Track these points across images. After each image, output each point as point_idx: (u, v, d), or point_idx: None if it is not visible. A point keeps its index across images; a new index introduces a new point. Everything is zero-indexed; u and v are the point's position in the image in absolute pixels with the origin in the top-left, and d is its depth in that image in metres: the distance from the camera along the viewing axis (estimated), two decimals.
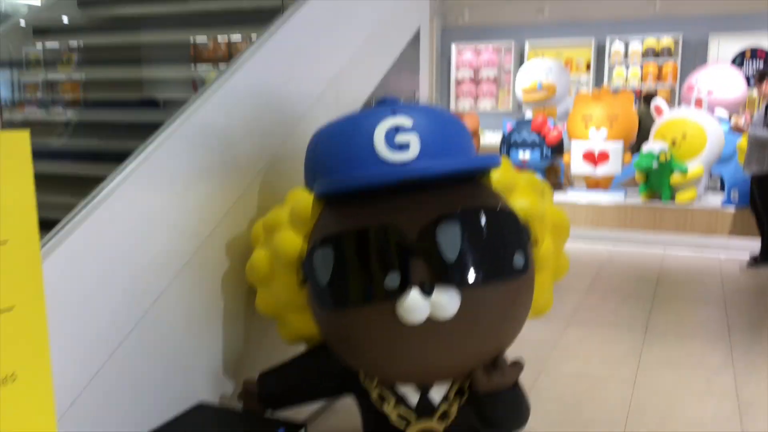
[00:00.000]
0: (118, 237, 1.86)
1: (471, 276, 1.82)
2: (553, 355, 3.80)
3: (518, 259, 1.90)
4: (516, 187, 2.11)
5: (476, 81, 10.10)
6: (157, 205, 2.00)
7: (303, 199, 2.05)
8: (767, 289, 5.21)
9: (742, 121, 5.66)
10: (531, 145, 6.99)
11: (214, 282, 2.27)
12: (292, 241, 2.01)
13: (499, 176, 2.10)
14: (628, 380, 3.44)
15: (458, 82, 10.18)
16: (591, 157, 6.84)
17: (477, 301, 1.84)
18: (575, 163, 6.94)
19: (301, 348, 2.39)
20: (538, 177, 2.23)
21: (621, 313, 4.63)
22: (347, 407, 2.98)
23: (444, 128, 2.06)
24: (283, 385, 2.25)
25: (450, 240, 1.82)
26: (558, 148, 7.12)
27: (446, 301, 1.80)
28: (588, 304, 4.76)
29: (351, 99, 2.99)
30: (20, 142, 1.24)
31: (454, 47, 10.32)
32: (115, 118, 2.34)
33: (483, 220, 1.88)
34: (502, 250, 1.89)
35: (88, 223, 1.73)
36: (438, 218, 1.83)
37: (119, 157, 2.03)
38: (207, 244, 2.21)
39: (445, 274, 1.80)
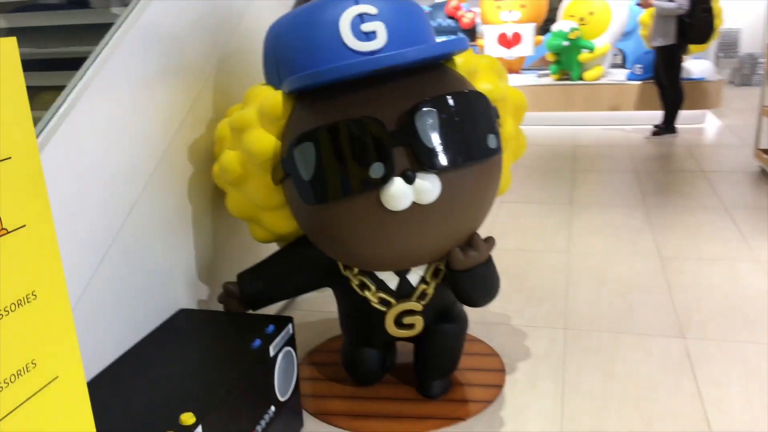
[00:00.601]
0: (86, 148, 1.76)
1: (451, 160, 1.88)
2: (492, 234, 4.02)
3: (491, 140, 1.98)
4: (479, 70, 2.14)
5: None
6: (119, 114, 1.89)
7: (271, 96, 2.00)
8: (672, 155, 5.65)
9: None
10: (446, 31, 6.98)
11: (181, 187, 2.21)
12: (266, 140, 1.98)
13: (463, 60, 2.13)
14: (562, 249, 3.73)
15: None
16: (504, 40, 6.93)
17: (457, 183, 1.92)
18: (489, 46, 7.02)
19: (273, 247, 2.41)
20: (496, 59, 2.27)
21: (546, 189, 4.92)
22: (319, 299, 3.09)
23: (407, 14, 2.03)
24: (264, 283, 2.28)
25: (428, 127, 1.86)
26: (472, 33, 7.15)
27: (429, 187, 1.86)
28: (515, 184, 4.98)
29: None
30: (8, 48, 1.13)
31: None
32: (52, 22, 2.14)
33: (457, 105, 1.92)
34: (477, 132, 1.96)
35: (57, 135, 1.63)
36: (415, 106, 1.86)
37: (64, 64, 1.89)
38: (170, 149, 2.13)
39: (426, 160, 1.85)
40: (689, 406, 2.27)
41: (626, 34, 7.28)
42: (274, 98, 1.98)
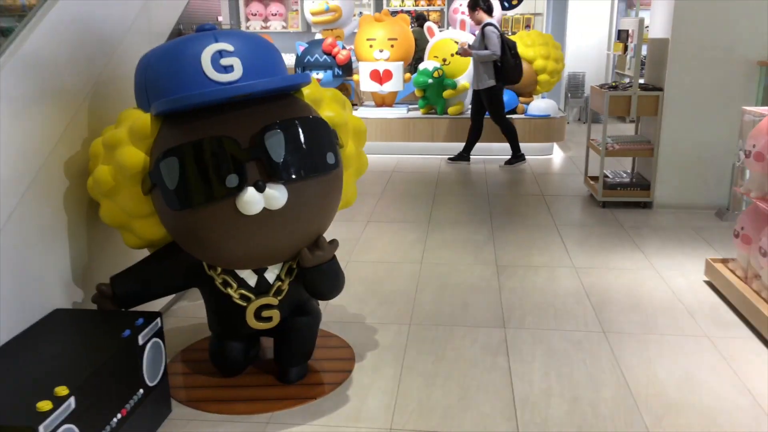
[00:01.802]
0: None
1: (295, 173, 2.28)
2: (357, 248, 4.46)
3: (330, 157, 2.40)
4: (323, 100, 2.58)
5: (264, 2, 10.18)
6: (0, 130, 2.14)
7: (140, 117, 2.32)
8: (520, 181, 6.38)
9: (467, 45, 6.83)
10: (323, 66, 7.45)
11: (57, 198, 2.46)
12: (135, 156, 2.30)
13: (309, 92, 2.56)
14: (416, 260, 4.22)
15: (247, 2, 10.18)
16: (377, 76, 7.51)
17: (301, 192, 2.32)
18: (364, 81, 7.56)
19: (144, 253, 2.69)
20: (339, 92, 2.71)
21: (409, 210, 5.44)
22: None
23: (260, 51, 2.43)
24: (135, 284, 2.56)
25: (276, 145, 2.26)
26: (347, 68, 7.66)
27: (277, 195, 2.25)
28: (382, 206, 5.50)
29: (162, 25, 3.18)
30: None
31: None
32: None
33: (301, 128, 2.33)
34: (317, 151, 2.38)
35: None
36: (264, 128, 2.25)
37: None
38: (47, 164, 2.38)
39: (274, 173, 2.25)
40: (499, 379, 2.77)
41: None
42: (143, 119, 2.31)
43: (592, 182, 5.62)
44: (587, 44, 9.94)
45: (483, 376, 2.79)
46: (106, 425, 2.06)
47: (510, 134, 6.95)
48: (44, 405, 1.78)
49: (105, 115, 2.72)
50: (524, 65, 7.40)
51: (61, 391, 1.86)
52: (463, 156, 7.15)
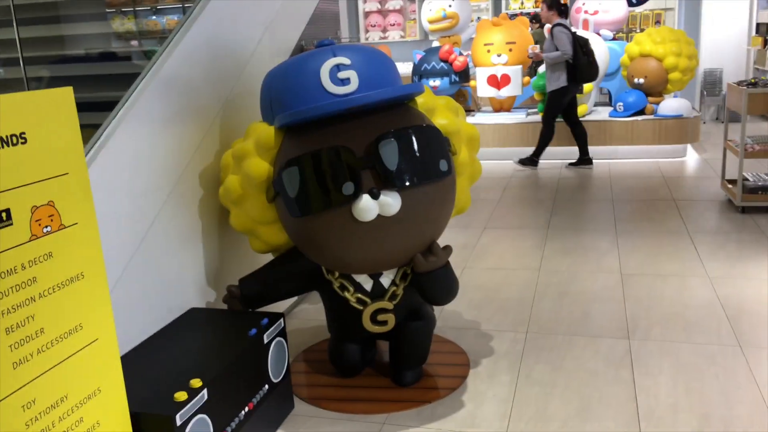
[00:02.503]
0: (118, 172, 2.24)
1: (408, 180, 2.34)
2: (473, 255, 4.45)
3: (443, 164, 2.44)
4: (436, 108, 2.62)
5: (383, 13, 10.43)
6: (143, 146, 2.37)
7: (265, 130, 2.48)
8: (648, 186, 6.06)
9: (537, 49, 6.68)
10: (440, 73, 7.50)
11: (193, 206, 2.68)
12: (261, 166, 2.46)
13: (423, 100, 2.61)
14: (534, 267, 4.14)
15: (366, 15, 10.49)
16: (494, 81, 7.45)
17: (414, 199, 2.37)
18: (481, 87, 7.53)
19: (269, 257, 2.86)
20: (452, 99, 2.74)
21: (527, 217, 5.35)
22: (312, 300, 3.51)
23: (376, 64, 2.52)
24: (261, 287, 2.73)
25: (389, 153, 2.32)
26: (464, 74, 7.66)
27: (391, 202, 2.32)
28: (499, 213, 5.45)
29: (285, 42, 3.37)
30: (66, 95, 1.61)
31: None
32: (89, 71, 2.63)
33: (413, 136, 2.38)
34: (430, 158, 2.42)
35: (96, 162, 2.10)
36: (379, 137, 2.33)
37: (99, 106, 2.37)
38: (184, 175, 2.61)
39: (388, 180, 2.31)
40: (622, 392, 2.66)
41: (610, 75, 7.77)
42: (268, 132, 2.46)
43: (729, 186, 5.23)
44: (724, 39, 9.26)
45: (605, 388, 2.69)
46: (235, 417, 2.21)
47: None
48: (181, 396, 1.95)
49: (235, 129, 2.93)
50: (653, 63, 7.04)
51: (196, 383, 2.02)
52: (584, 160, 6.92)
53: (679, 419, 2.45)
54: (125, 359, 2.20)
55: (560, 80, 6.56)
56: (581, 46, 6.50)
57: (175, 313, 2.57)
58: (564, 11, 6.70)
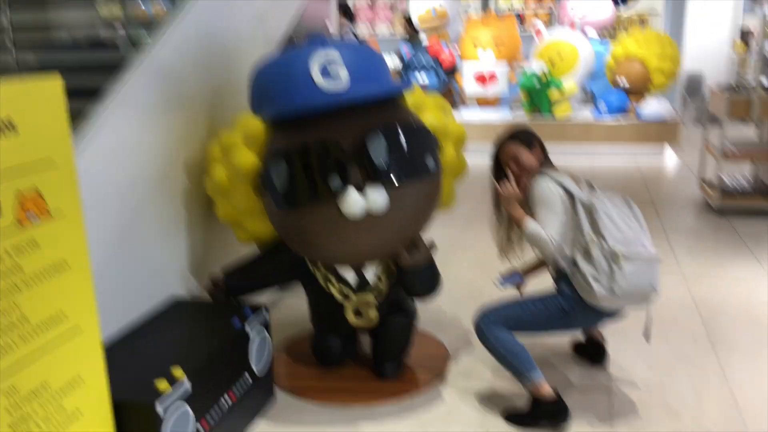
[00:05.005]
0: (104, 161, 2.23)
1: (395, 176, 2.36)
2: (456, 249, 4.49)
3: (430, 162, 2.46)
4: (425, 105, 2.65)
5: (372, 7, 10.43)
6: (130, 135, 2.37)
7: (253, 122, 2.49)
8: (626, 186, 6.15)
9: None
10: (428, 68, 7.54)
11: (178, 196, 2.68)
12: (248, 158, 2.46)
13: (412, 98, 2.63)
14: (517, 262, 4.18)
15: (356, 8, 10.49)
16: (481, 78, 7.50)
17: (401, 195, 2.40)
18: (467, 83, 7.58)
19: (253, 248, 2.87)
20: (441, 97, 2.77)
21: None
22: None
23: (366, 60, 2.53)
24: (245, 277, 2.74)
25: (378, 149, 2.35)
26: (452, 71, 7.71)
27: (378, 198, 2.34)
28: (482, 208, 5.47)
29: (276, 34, 3.37)
30: (54, 84, 1.61)
31: None
32: (79, 59, 2.62)
33: (402, 133, 2.41)
34: (418, 155, 2.44)
35: (84, 150, 2.10)
36: (367, 133, 2.35)
37: (87, 93, 2.36)
38: (171, 165, 2.61)
39: (375, 176, 2.34)
40: (597, 387, 2.71)
41: (593, 75, 7.85)
42: (256, 124, 2.47)
43: (707, 188, 5.33)
44: (707, 43, 9.38)
45: (580, 384, 2.75)
46: (216, 407, 2.23)
47: None
48: (162, 385, 1.96)
49: (222, 120, 2.93)
50: (637, 65, 7.13)
51: (178, 373, 2.04)
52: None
53: (651, 415, 2.51)
54: (107, 347, 2.20)
55: None
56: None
57: (158, 302, 2.58)
58: None
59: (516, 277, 2.83)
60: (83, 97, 2.36)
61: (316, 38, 2.54)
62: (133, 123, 2.37)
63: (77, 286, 1.75)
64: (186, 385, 2.03)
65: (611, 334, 3.17)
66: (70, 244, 1.71)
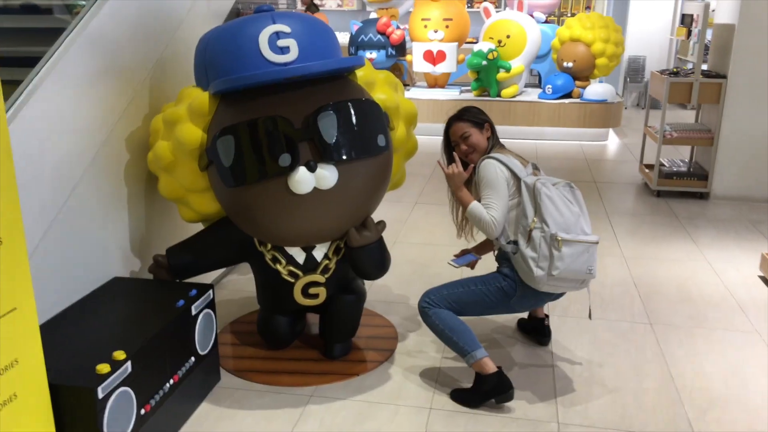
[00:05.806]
0: (38, 134, 2.11)
1: (346, 154, 2.33)
2: (404, 230, 4.50)
3: (381, 139, 2.43)
4: (376, 82, 2.60)
5: None
6: (66, 106, 2.24)
7: (199, 96, 2.39)
8: (572, 168, 6.28)
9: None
10: (377, 46, 7.45)
11: (118, 172, 2.57)
12: (194, 132, 2.38)
13: (363, 74, 2.58)
14: (462, 244, 4.22)
15: None
16: (430, 57, 7.47)
17: (351, 173, 2.36)
18: (417, 62, 7.54)
19: (198, 227, 2.79)
20: (392, 74, 2.73)
21: None
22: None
23: (316, 34, 2.47)
24: (190, 256, 2.66)
25: (328, 126, 2.30)
26: (401, 48, 7.64)
27: (327, 175, 2.30)
28: (431, 188, 5.51)
29: (222, 5, 3.25)
30: None
31: None
32: (10, 24, 2.45)
33: (353, 110, 2.36)
34: (369, 133, 2.41)
35: (15, 123, 1.97)
36: (318, 109, 2.29)
37: (19, 61, 2.22)
38: (110, 139, 2.49)
39: (326, 153, 2.29)
40: (542, 365, 2.77)
41: (540, 57, 7.94)
42: (202, 98, 2.38)
43: (647, 170, 5.49)
44: (649, 28, 9.62)
45: (525, 362, 2.80)
46: (160, 390, 2.17)
47: None
48: (103, 368, 1.89)
49: (165, 93, 2.81)
50: (582, 48, 7.24)
51: (119, 355, 1.96)
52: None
53: (593, 392, 2.59)
54: (44, 329, 2.10)
55: None
56: None
57: (98, 283, 2.48)
58: None
59: (469, 257, 2.85)
60: (14, 64, 2.22)
61: (264, 9, 2.46)
62: (69, 93, 2.24)
63: (12, 264, 1.65)
64: (128, 368, 1.96)
65: (554, 312, 3.25)
66: (4, 220, 1.61)
